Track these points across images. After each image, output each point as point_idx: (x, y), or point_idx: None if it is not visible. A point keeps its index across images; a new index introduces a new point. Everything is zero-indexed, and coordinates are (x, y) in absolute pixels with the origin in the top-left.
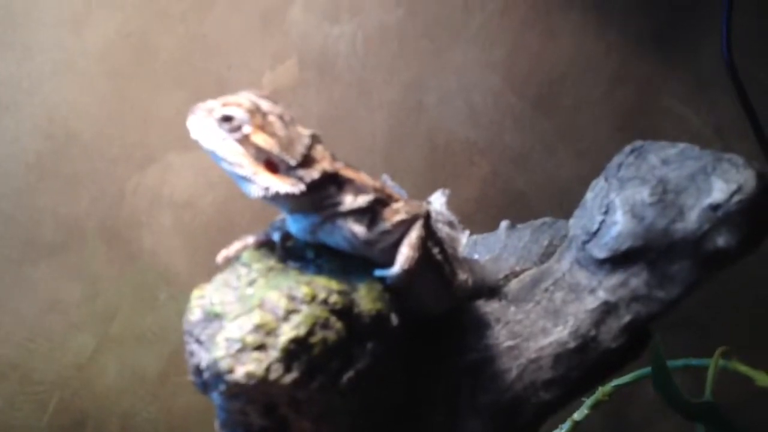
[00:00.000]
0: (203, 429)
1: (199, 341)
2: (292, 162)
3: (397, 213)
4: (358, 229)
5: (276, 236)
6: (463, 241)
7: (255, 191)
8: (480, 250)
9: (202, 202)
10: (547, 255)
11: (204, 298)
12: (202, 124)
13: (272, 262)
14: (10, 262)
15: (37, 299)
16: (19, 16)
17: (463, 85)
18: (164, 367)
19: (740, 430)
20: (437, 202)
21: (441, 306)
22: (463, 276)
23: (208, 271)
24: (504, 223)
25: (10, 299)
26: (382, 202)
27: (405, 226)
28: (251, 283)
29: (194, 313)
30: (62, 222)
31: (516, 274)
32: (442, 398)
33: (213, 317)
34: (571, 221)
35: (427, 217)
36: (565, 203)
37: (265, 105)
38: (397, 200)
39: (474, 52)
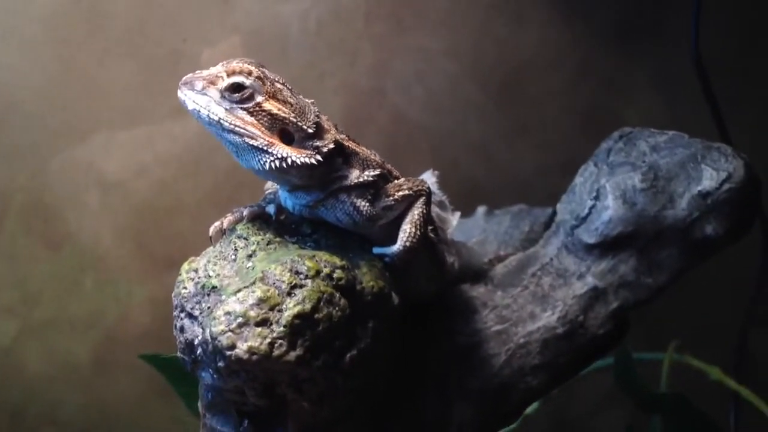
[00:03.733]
0: (136, 417)
1: (191, 316)
2: (310, 130)
3: (400, 188)
4: (362, 203)
5: (271, 209)
6: (454, 222)
7: (269, 163)
8: (456, 234)
9: (133, 184)
10: (528, 240)
11: (197, 271)
12: (201, 95)
13: (270, 235)
14: None
15: None
16: None
17: (427, 70)
18: (94, 354)
19: (711, 421)
20: (428, 181)
21: (432, 288)
22: (450, 258)
23: (140, 256)
24: (481, 209)
25: None
26: (384, 177)
27: (408, 201)
28: (250, 255)
29: (185, 287)
30: None
31: (500, 259)
32: (432, 382)
33: (209, 290)
34: (559, 206)
35: (429, 194)
36: (525, 194)
37: (268, 72)
38: (395, 176)
39: (440, 36)
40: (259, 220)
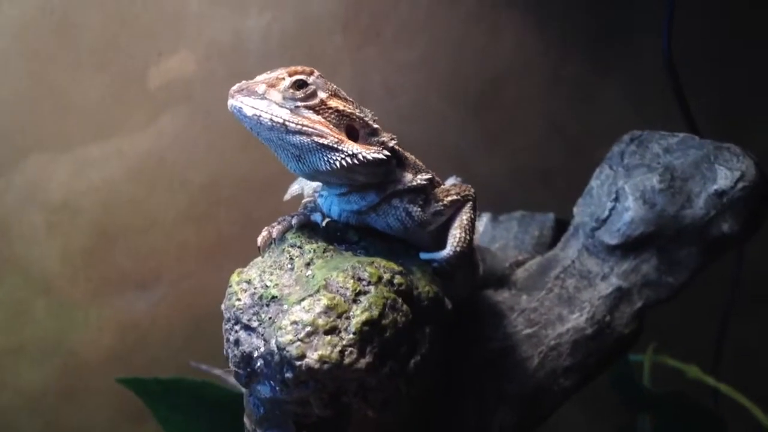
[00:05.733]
0: None
1: (249, 328)
2: (375, 125)
3: (448, 194)
4: (414, 209)
5: (317, 217)
6: (480, 228)
7: (339, 161)
8: None
9: (94, 201)
10: (540, 245)
11: (251, 282)
12: (260, 99)
13: (322, 243)
14: None
15: None
16: None
17: (403, 82)
18: (56, 381)
19: (715, 415)
20: None
21: (462, 292)
22: (479, 263)
23: (98, 279)
24: (486, 215)
25: None
26: (433, 182)
27: (456, 206)
28: (308, 264)
29: (239, 298)
30: None
31: (519, 263)
32: (469, 387)
33: (268, 300)
34: (576, 209)
35: (476, 199)
36: (501, 201)
37: (318, 72)
38: (440, 181)
39: (417, 47)
40: (307, 228)
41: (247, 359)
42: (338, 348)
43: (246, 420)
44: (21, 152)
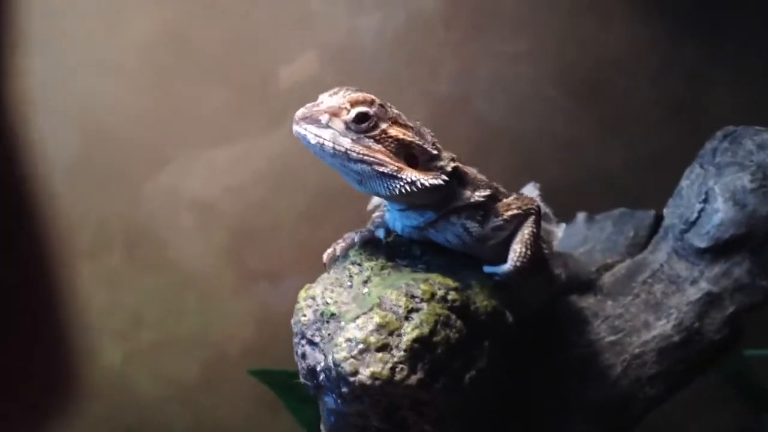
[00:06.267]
0: None
1: (312, 343)
2: (434, 152)
3: (509, 208)
4: (472, 225)
5: (381, 233)
6: (559, 234)
7: (399, 188)
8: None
9: (228, 204)
10: (633, 246)
11: (315, 298)
12: (324, 128)
13: (382, 259)
14: (50, 264)
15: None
16: (57, 10)
17: (509, 75)
18: (202, 373)
19: None
20: (530, 194)
21: (539, 301)
22: (557, 270)
23: (239, 274)
24: (581, 215)
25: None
26: (494, 197)
27: (517, 221)
28: (366, 281)
29: (305, 314)
30: (92, 225)
31: (607, 267)
32: (550, 395)
33: (328, 317)
34: (666, 210)
35: (539, 212)
36: (614, 193)
37: (378, 99)
38: (503, 194)
39: (521, 39)
40: (370, 244)
41: (312, 372)
42: (389, 365)
43: (321, 427)
44: (161, 161)
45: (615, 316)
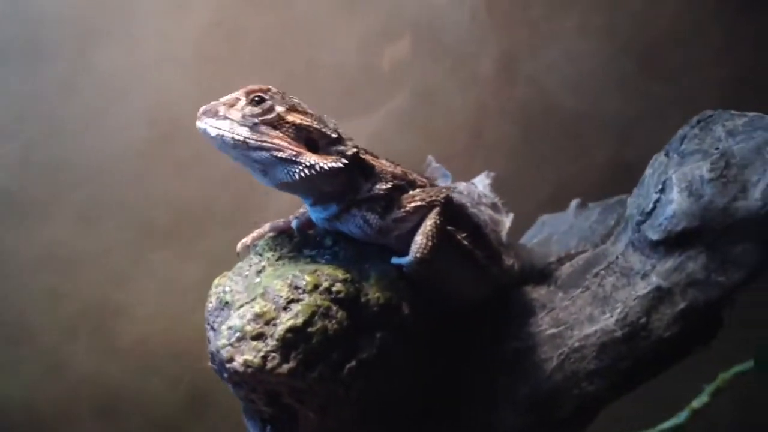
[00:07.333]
0: None
1: (213, 329)
2: (333, 135)
3: (413, 200)
4: (371, 217)
5: (295, 223)
6: (507, 224)
7: (298, 173)
8: (546, 230)
9: None
10: (609, 235)
11: (219, 286)
12: (222, 119)
13: (285, 250)
14: (128, 246)
15: (156, 281)
16: (124, 7)
17: (562, 53)
18: None
19: None
20: (481, 184)
21: (479, 293)
22: (509, 261)
23: None
24: (574, 202)
25: (130, 281)
26: (400, 188)
27: (421, 213)
28: (260, 271)
29: (211, 301)
30: (173, 206)
31: (570, 257)
32: (479, 390)
33: (223, 305)
34: (629, 200)
35: (446, 203)
36: None
37: (275, 89)
38: (420, 185)
39: (570, 17)
40: (283, 235)
41: (212, 357)
42: (261, 353)
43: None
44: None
45: (561, 308)
